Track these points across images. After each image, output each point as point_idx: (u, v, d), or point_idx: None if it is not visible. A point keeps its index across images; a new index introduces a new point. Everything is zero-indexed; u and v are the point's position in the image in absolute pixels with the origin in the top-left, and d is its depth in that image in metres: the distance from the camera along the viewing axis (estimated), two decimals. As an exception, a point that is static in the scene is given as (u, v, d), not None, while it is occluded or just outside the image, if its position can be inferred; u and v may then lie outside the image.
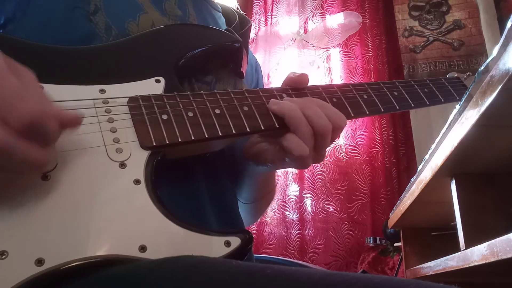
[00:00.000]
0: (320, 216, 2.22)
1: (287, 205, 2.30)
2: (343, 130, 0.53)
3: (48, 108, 0.34)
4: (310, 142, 0.50)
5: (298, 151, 0.49)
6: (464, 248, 0.67)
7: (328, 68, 2.50)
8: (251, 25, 0.72)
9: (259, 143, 0.55)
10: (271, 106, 0.51)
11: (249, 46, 0.73)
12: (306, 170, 2.29)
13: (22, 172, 0.35)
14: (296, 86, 0.56)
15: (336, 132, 0.51)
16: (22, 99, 0.33)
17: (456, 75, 0.69)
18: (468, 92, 0.54)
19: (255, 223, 2.19)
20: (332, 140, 0.52)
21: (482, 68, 0.50)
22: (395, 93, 0.60)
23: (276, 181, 0.75)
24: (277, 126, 0.50)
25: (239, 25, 0.69)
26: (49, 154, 0.35)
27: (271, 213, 2.28)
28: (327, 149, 0.53)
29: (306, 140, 0.49)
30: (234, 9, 0.74)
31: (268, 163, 0.55)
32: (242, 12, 0.75)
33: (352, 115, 0.55)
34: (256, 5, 2.79)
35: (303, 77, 0.56)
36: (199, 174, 0.54)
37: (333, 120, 0.51)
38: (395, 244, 1.81)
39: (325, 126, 0.50)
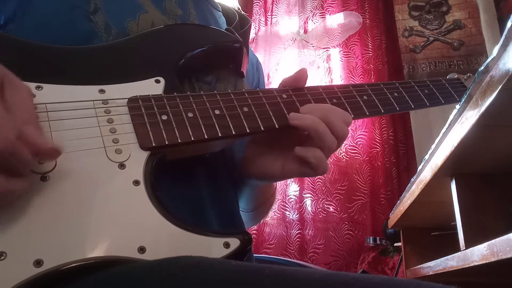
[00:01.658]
0: (320, 216, 2.22)
1: (287, 205, 2.30)
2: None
3: (26, 135, 0.34)
4: (330, 153, 0.50)
5: (323, 168, 0.49)
6: (464, 248, 0.67)
7: (328, 68, 2.50)
8: (251, 24, 0.71)
9: (261, 159, 0.54)
10: (292, 120, 0.50)
11: (249, 46, 0.73)
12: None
13: None
14: (297, 84, 0.56)
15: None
16: None
17: (456, 76, 0.69)
18: (468, 92, 0.54)
19: (255, 223, 2.19)
20: None
21: (482, 68, 0.50)
22: (395, 94, 0.60)
23: (275, 185, 0.75)
24: (277, 127, 0.50)
25: (239, 24, 0.69)
26: (20, 183, 0.34)
27: (271, 213, 2.28)
28: None
29: (328, 151, 0.49)
30: (234, 9, 0.74)
31: (274, 179, 0.55)
32: (242, 12, 0.75)
33: (352, 116, 0.55)
34: (256, 5, 2.79)
35: (302, 73, 0.56)
36: (200, 175, 0.54)
37: (348, 124, 0.51)
38: (395, 244, 1.81)
39: (345, 133, 0.50)
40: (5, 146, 0.32)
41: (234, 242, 0.41)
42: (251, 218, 0.70)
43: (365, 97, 0.58)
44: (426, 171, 0.76)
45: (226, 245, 0.40)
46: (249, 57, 0.72)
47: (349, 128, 0.52)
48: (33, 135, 0.35)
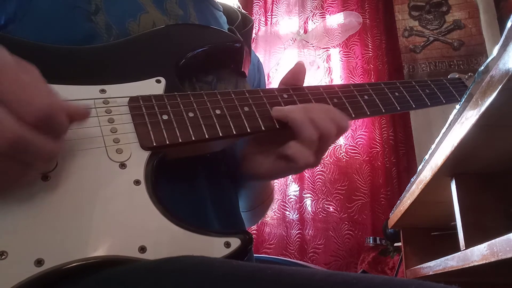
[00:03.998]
0: (320, 216, 2.22)
1: (287, 205, 2.30)
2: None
3: (57, 101, 0.35)
4: (315, 146, 0.49)
5: (303, 159, 0.48)
6: (464, 248, 0.67)
7: (328, 68, 2.50)
8: (253, 24, 0.71)
9: (253, 157, 0.54)
10: (274, 113, 0.50)
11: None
12: (306, 170, 2.29)
13: (33, 165, 0.35)
14: (296, 78, 0.56)
15: (339, 135, 0.51)
16: (34, 93, 0.33)
17: (457, 75, 0.69)
18: (468, 92, 0.54)
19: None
20: (332, 143, 0.52)
21: (482, 68, 0.50)
22: (396, 94, 0.60)
23: (273, 185, 0.75)
24: (277, 127, 0.50)
25: (242, 24, 0.69)
26: (60, 145, 0.36)
27: (271, 213, 2.28)
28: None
29: (311, 144, 0.48)
30: (236, 9, 0.74)
31: (266, 177, 0.54)
32: (243, 11, 0.75)
33: (353, 115, 0.55)
34: (256, 5, 2.79)
35: (300, 67, 0.56)
36: (200, 174, 0.54)
37: (337, 123, 0.50)
38: (395, 244, 1.81)
39: (330, 129, 0.49)
40: (46, 112, 0.33)
41: (235, 242, 0.41)
42: (248, 218, 0.70)
43: (366, 97, 0.58)
44: (426, 171, 0.76)
45: (227, 244, 0.40)
46: (251, 57, 0.72)
47: (339, 125, 0.50)
48: (61, 100, 0.36)
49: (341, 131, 0.51)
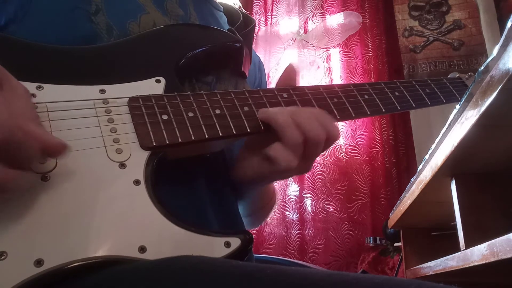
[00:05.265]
0: (320, 216, 2.22)
1: (287, 205, 2.30)
2: (338, 136, 0.50)
3: (32, 130, 0.32)
4: (299, 150, 0.48)
5: (285, 161, 0.47)
6: (464, 248, 0.67)
7: (328, 68, 2.50)
8: (254, 24, 0.71)
9: (242, 161, 0.54)
10: (259, 115, 0.49)
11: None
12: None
13: None
14: (289, 78, 0.56)
15: (329, 141, 0.49)
16: None
17: (457, 75, 0.69)
18: (468, 92, 0.54)
19: (255, 223, 2.19)
20: (322, 151, 0.50)
21: (482, 68, 0.50)
22: (396, 93, 0.60)
23: (274, 191, 0.74)
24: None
25: (243, 24, 0.69)
26: (18, 175, 0.32)
27: (271, 213, 2.28)
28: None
29: (295, 147, 0.47)
30: (237, 9, 0.74)
31: (252, 180, 0.53)
32: (245, 11, 0.75)
33: (353, 115, 0.55)
34: (256, 5, 2.79)
35: (290, 68, 0.56)
36: (199, 175, 0.54)
37: (328, 129, 0.49)
38: (395, 244, 1.81)
39: (318, 133, 0.48)
40: (16, 134, 0.31)
41: (235, 242, 0.41)
42: (249, 222, 0.70)
43: (366, 97, 0.58)
44: (426, 171, 0.76)
45: (227, 244, 0.40)
46: (252, 57, 0.72)
47: (329, 131, 0.48)
48: (40, 129, 0.34)
49: (331, 137, 0.49)
